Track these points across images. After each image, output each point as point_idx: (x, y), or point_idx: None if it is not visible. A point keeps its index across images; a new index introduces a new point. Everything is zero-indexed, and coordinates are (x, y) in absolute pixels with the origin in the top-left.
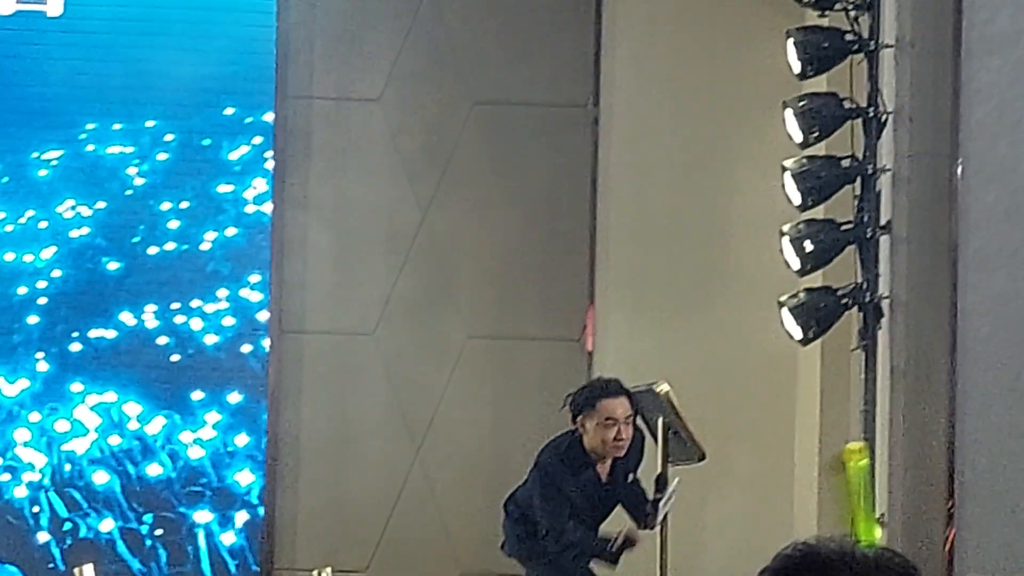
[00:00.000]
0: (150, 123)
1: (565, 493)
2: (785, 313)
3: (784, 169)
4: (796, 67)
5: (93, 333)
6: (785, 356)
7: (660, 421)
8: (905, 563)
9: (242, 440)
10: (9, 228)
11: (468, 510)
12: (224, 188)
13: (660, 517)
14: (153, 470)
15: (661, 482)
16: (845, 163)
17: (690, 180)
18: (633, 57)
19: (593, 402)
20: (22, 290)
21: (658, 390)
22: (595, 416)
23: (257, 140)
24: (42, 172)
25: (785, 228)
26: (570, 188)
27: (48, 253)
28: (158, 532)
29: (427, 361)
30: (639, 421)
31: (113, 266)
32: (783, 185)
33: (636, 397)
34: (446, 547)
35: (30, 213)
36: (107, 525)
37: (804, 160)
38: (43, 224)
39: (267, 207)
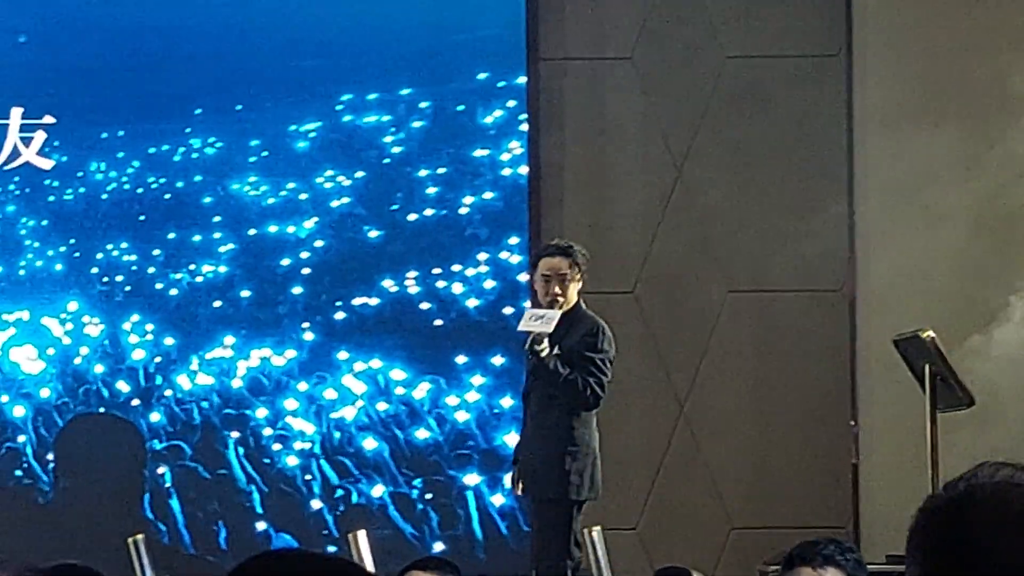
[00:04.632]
0: (405, 91)
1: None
2: None
3: None
4: None
5: (356, 301)
6: None
7: (927, 367)
8: None
9: (507, 402)
10: (271, 201)
11: (736, 466)
12: (480, 152)
13: (522, 326)
14: (421, 434)
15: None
16: None
17: (947, 123)
18: (883, 2)
19: (535, 261)
20: (286, 261)
21: (923, 336)
22: (535, 273)
23: (511, 103)
24: (301, 144)
25: None
26: (826, 138)
27: (310, 224)
28: (428, 496)
29: (688, 317)
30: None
31: (374, 234)
32: None
33: (901, 344)
34: (716, 504)
35: (291, 185)
36: (378, 491)
37: None
38: (304, 195)
39: (523, 170)
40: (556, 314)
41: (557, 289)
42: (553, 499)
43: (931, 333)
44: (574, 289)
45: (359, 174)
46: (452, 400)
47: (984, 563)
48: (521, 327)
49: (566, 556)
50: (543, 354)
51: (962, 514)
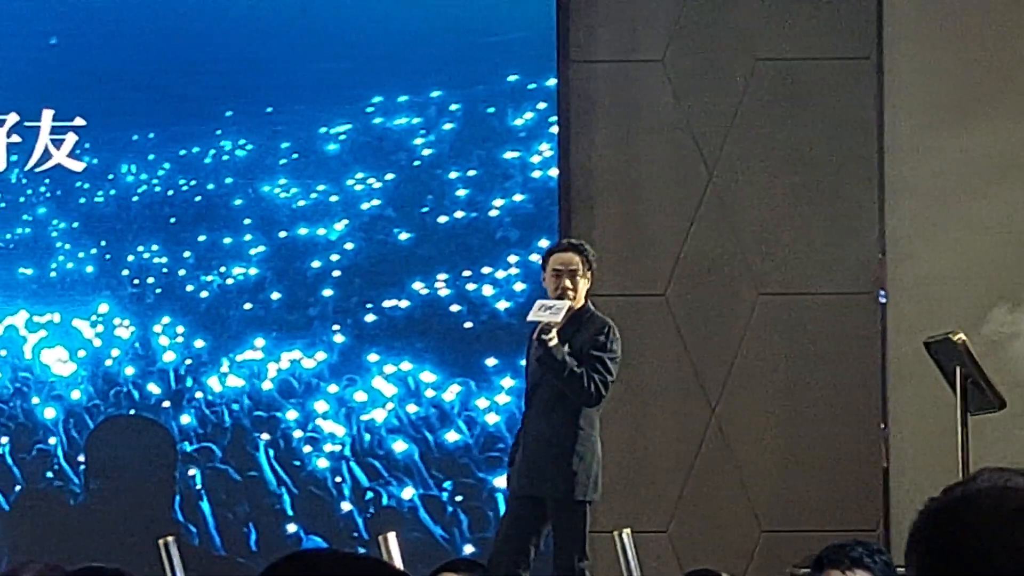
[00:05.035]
0: (435, 94)
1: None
2: None
3: None
4: None
5: (387, 303)
6: None
7: (958, 370)
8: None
9: None
10: (302, 203)
11: (766, 469)
12: (510, 155)
13: (532, 316)
14: (451, 437)
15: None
16: None
17: (979, 125)
18: (915, 3)
19: (547, 257)
20: (316, 264)
21: (955, 339)
22: (547, 269)
23: (541, 105)
24: (331, 146)
25: None
26: (857, 141)
27: (340, 226)
28: (458, 498)
29: (719, 320)
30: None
31: (404, 236)
32: None
33: (932, 347)
34: (746, 507)
35: (321, 187)
36: (408, 493)
37: None
38: (334, 198)
39: (553, 172)
40: (565, 304)
41: (567, 283)
42: (562, 500)
43: (962, 336)
44: (583, 287)
45: (389, 176)
46: (482, 403)
47: (980, 564)
48: (530, 317)
49: (584, 557)
50: (551, 344)
51: (959, 516)
